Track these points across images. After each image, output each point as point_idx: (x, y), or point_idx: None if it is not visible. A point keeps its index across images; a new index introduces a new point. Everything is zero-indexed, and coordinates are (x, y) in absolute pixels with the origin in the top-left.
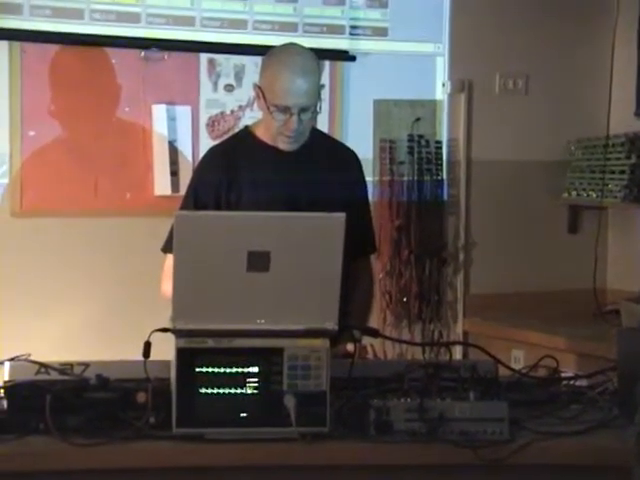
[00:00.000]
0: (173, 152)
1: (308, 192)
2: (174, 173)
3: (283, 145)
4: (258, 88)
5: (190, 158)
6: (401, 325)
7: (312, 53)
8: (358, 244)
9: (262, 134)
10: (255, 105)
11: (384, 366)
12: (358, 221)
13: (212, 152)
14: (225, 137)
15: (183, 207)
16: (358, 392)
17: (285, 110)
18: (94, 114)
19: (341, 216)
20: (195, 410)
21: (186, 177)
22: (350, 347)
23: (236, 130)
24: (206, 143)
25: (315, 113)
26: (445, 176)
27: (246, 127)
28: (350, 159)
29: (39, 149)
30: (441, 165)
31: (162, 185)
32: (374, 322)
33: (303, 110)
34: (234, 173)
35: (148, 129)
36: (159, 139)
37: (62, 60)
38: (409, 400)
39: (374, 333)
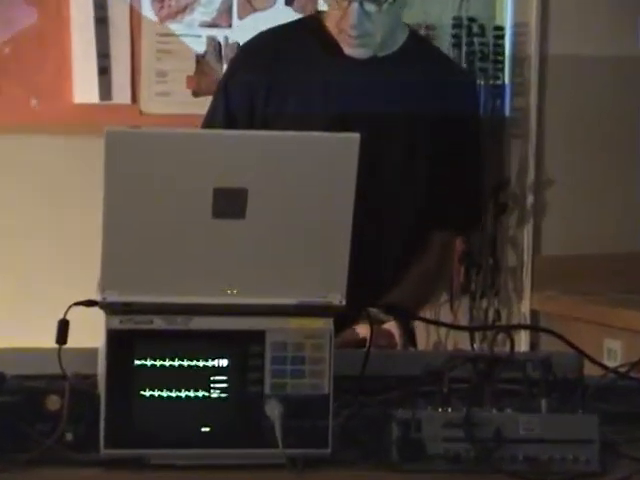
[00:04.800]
0: (102, 38)
1: (379, 121)
2: (104, 70)
3: (347, 48)
4: None
5: (128, 47)
6: (439, 301)
7: None
8: (454, 212)
9: (333, 28)
10: None
11: (414, 360)
12: (457, 178)
13: (259, 39)
14: (181, 17)
15: (210, 116)
16: (375, 398)
17: None
18: None
19: (354, 137)
20: (134, 422)
21: (122, 77)
22: (364, 331)
23: (192, 13)
24: (152, 30)
25: (395, 6)
26: (508, 80)
27: (317, 13)
28: (462, 87)
29: None
30: (502, 63)
31: (85, 88)
32: None
33: None
34: (280, 73)
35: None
36: (81, 17)
37: None
38: (450, 410)
39: (402, 312)
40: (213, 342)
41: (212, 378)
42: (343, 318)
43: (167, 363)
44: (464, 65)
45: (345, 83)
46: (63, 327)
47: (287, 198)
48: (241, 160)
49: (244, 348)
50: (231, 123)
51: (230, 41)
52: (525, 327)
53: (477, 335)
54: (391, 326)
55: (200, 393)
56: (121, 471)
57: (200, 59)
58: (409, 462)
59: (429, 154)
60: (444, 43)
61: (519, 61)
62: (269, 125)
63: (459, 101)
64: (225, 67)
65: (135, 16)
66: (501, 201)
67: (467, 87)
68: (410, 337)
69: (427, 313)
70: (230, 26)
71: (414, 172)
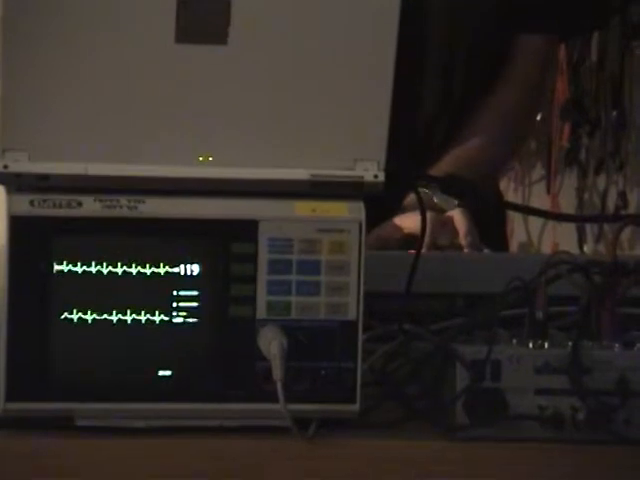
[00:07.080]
0: None
1: None
2: None
3: None
4: None
5: None
6: (529, 177)
7: None
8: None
9: None
10: None
11: (491, 267)
12: None
13: None
14: None
15: None
16: (430, 327)
17: None
18: None
19: None
20: (53, 362)
21: None
22: (412, 223)
23: None
24: None
25: None
26: None
27: None
28: None
29: None
30: None
31: None
32: None
33: None
34: None
35: None
36: None
37: None
38: (547, 346)
39: (476, 194)
40: (177, 238)
41: (175, 293)
42: (381, 200)
43: (105, 269)
44: None
45: None
46: None
47: (293, 10)
48: None
49: (225, 247)
50: None
51: None
52: None
53: (589, 230)
54: (455, 214)
55: (156, 317)
56: (31, 436)
57: None
58: (482, 426)
59: None
60: None
61: None
62: None
63: None
64: None
65: None
66: (630, 20)
67: None
68: (490, 227)
69: (510, 196)
70: None
71: None
